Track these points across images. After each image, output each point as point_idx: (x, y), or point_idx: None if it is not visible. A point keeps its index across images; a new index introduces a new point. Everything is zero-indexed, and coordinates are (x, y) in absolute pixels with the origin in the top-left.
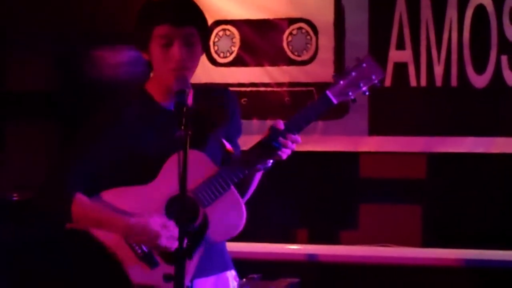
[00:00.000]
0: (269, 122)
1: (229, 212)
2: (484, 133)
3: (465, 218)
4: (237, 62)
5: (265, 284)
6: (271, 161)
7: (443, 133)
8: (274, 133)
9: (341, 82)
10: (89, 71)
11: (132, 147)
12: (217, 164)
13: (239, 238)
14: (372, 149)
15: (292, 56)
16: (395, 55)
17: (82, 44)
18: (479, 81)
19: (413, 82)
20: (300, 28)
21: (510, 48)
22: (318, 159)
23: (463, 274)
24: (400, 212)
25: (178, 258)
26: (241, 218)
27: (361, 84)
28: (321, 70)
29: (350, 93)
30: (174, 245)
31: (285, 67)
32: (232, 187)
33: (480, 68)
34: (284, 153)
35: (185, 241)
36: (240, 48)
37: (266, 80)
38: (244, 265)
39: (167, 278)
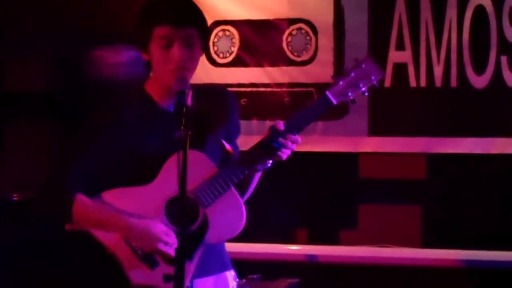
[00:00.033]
0: (268, 123)
1: (229, 212)
2: (484, 133)
3: (465, 218)
4: (237, 62)
5: (264, 284)
6: (271, 161)
7: (442, 134)
8: (274, 133)
9: (341, 82)
10: (89, 71)
11: (131, 147)
12: (216, 164)
13: (239, 238)
14: (372, 150)
15: (291, 57)
16: (394, 56)
17: (82, 44)
18: (479, 81)
19: (412, 83)
20: (299, 29)
21: (509, 49)
22: (318, 159)
23: (463, 274)
24: (399, 212)
25: (178, 258)
26: (241, 219)
27: (361, 85)
28: (320, 70)
29: (350, 94)
30: (171, 253)
31: (284, 68)
32: (232, 187)
33: (479, 69)
34: (284, 154)
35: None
36: (240, 48)
37: (265, 80)
38: (243, 266)
39: (166, 278)
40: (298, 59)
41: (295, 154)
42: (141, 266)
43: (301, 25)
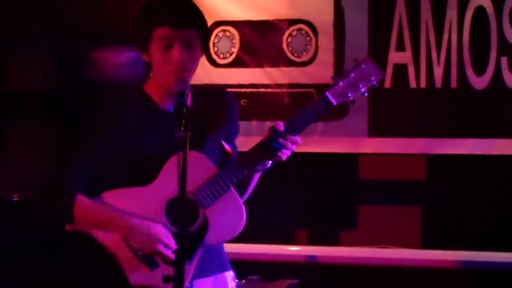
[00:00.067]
0: (268, 123)
1: (229, 213)
2: (484, 134)
3: (465, 219)
4: (237, 63)
5: (264, 285)
6: (270, 162)
7: (442, 135)
8: (274, 134)
9: (341, 83)
10: (89, 71)
11: (131, 148)
12: (216, 165)
13: (239, 239)
14: (372, 151)
15: (292, 57)
16: (394, 57)
17: (82, 44)
18: (479, 82)
19: (412, 84)
20: (300, 29)
21: (510, 50)
22: (318, 160)
23: (463, 275)
24: (399, 213)
25: (177, 259)
26: (241, 219)
27: (361, 85)
28: (320, 71)
29: (350, 94)
30: (171, 255)
31: (284, 68)
32: (232, 188)
33: (480, 70)
34: (284, 154)
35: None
36: (240, 49)
37: (265, 81)
38: (243, 266)
39: (166, 279)
40: (298, 60)
41: (295, 155)
42: (141, 266)
43: (301, 25)
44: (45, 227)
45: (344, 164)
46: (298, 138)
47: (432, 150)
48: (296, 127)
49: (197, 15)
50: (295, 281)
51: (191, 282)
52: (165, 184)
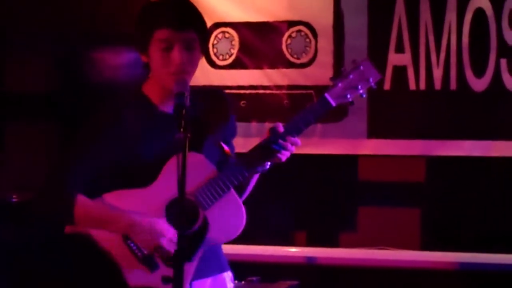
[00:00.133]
0: (268, 125)
1: (229, 214)
2: (483, 136)
3: (464, 221)
4: (236, 64)
5: (264, 286)
6: (269, 163)
7: (442, 137)
8: (274, 135)
9: (340, 84)
10: (89, 72)
11: (131, 148)
12: (215, 166)
13: (238, 240)
14: (371, 152)
15: (291, 59)
16: (394, 58)
17: (82, 45)
18: (478, 84)
19: (412, 86)
20: (299, 31)
21: (509, 52)
22: (317, 162)
23: (462, 277)
24: (399, 215)
25: (177, 260)
26: (241, 220)
27: (359, 87)
28: (320, 73)
29: (348, 96)
30: (173, 250)
31: (284, 70)
32: (232, 189)
33: (479, 72)
34: (284, 156)
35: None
36: (239, 50)
37: (265, 82)
38: (243, 268)
39: (165, 280)
40: (298, 62)
41: (294, 156)
42: (140, 268)
43: (301, 27)
44: (45, 227)
45: (344, 165)
46: (297, 140)
47: (431, 151)
48: (295, 129)
49: (197, 17)
50: (294, 283)
51: (190, 283)
52: (165, 186)
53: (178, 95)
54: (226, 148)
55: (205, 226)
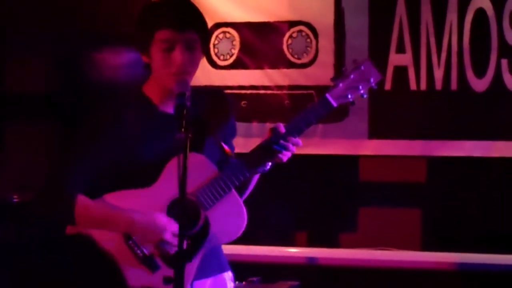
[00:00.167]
0: (269, 125)
1: (230, 214)
2: (484, 137)
3: (465, 221)
4: (237, 64)
5: (264, 287)
6: (270, 163)
7: (443, 137)
8: (275, 136)
9: (341, 84)
10: (89, 72)
11: (131, 148)
12: (215, 166)
13: (239, 240)
14: (372, 153)
15: (292, 59)
16: (395, 59)
17: (82, 45)
18: (479, 84)
19: (413, 86)
20: (300, 31)
21: (510, 52)
22: (318, 162)
23: (462, 278)
24: (399, 215)
25: (178, 260)
26: (242, 221)
27: (360, 87)
28: (321, 73)
29: (350, 96)
30: (176, 242)
31: (285, 70)
32: (233, 189)
33: (480, 72)
34: (285, 156)
35: (185, 243)
36: (240, 50)
37: (266, 83)
38: (243, 268)
39: (166, 280)
40: (299, 62)
41: (295, 157)
42: (141, 268)
43: (302, 27)
44: (46, 227)
45: (344, 166)
46: (299, 140)
47: (432, 152)
48: (296, 129)
49: (198, 17)
50: (295, 283)
51: (191, 284)
52: (166, 186)
53: (179, 95)
54: (226, 148)
55: (206, 226)
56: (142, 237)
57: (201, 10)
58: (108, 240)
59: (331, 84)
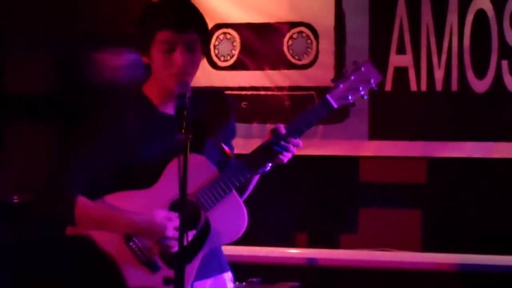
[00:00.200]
0: (269, 126)
1: (231, 215)
2: (485, 138)
3: (465, 222)
4: (238, 65)
5: None
6: (270, 164)
7: (443, 138)
8: (276, 137)
9: (341, 86)
10: (89, 72)
11: (131, 148)
12: (215, 167)
13: (240, 241)
14: (372, 154)
15: (292, 60)
16: (395, 60)
17: (82, 45)
18: (480, 86)
19: (413, 87)
20: (300, 32)
21: (510, 53)
22: (318, 163)
23: (462, 279)
24: (400, 216)
25: (179, 260)
26: (243, 222)
27: (360, 88)
28: (321, 74)
29: (350, 97)
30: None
31: (285, 71)
32: (233, 190)
33: (480, 73)
34: (286, 157)
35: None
36: (241, 51)
37: (266, 84)
38: (244, 269)
39: (167, 281)
40: (299, 63)
41: (295, 158)
42: (141, 269)
43: (302, 28)
44: (45, 227)
45: (345, 166)
46: (299, 141)
47: (432, 153)
48: (297, 130)
49: (199, 18)
50: (295, 284)
51: (191, 285)
52: (167, 187)
53: (180, 96)
54: (226, 149)
55: (206, 227)
56: (143, 237)
57: (202, 11)
58: (108, 241)
59: (332, 85)
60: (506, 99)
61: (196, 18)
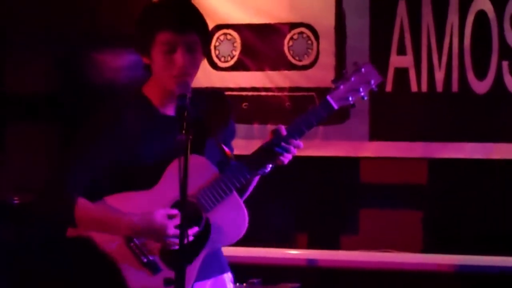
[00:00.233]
0: (270, 127)
1: (231, 216)
2: (485, 138)
3: (466, 223)
4: (238, 66)
5: None
6: (270, 165)
7: (444, 139)
8: (276, 138)
9: (341, 87)
10: (89, 72)
11: (131, 148)
12: (216, 168)
13: (240, 242)
14: (373, 154)
15: (293, 61)
16: (396, 60)
17: (82, 45)
18: (480, 86)
19: (414, 88)
20: (301, 33)
21: (511, 54)
22: (319, 164)
23: (463, 280)
24: (400, 217)
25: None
26: (243, 223)
27: (361, 89)
28: (322, 75)
29: (350, 98)
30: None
31: (286, 72)
32: (234, 191)
33: (481, 74)
34: (286, 158)
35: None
36: (241, 52)
37: (267, 84)
38: (244, 270)
39: (167, 282)
40: (300, 64)
41: (296, 159)
42: (142, 270)
43: (303, 29)
44: (46, 227)
45: (345, 167)
46: (300, 142)
47: (433, 154)
48: (298, 131)
49: (199, 19)
50: (296, 285)
51: (192, 286)
52: (167, 188)
53: (180, 97)
54: (227, 150)
55: (207, 228)
56: (144, 238)
57: (202, 11)
58: (108, 242)
59: (332, 86)
60: (507, 100)
61: (196, 19)
